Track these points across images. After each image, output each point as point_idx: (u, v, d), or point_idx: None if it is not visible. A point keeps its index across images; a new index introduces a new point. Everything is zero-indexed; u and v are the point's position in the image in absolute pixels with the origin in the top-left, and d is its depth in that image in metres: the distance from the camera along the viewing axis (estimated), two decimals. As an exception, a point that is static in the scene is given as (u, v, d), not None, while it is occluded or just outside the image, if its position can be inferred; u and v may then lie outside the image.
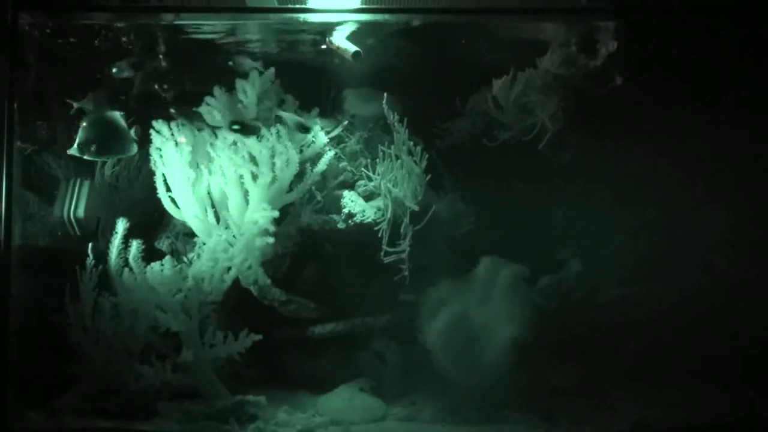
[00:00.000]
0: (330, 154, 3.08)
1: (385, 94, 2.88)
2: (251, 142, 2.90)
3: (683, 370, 2.95)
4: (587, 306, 3.09)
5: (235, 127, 2.84)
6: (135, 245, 2.81)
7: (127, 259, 2.81)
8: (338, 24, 2.83)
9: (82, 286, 2.81)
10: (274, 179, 2.94)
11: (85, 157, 2.76)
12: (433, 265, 3.03)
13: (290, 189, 3.01)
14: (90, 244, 2.83)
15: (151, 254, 2.93)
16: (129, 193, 3.25)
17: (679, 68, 3.07)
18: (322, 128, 3.12)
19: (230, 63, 3.00)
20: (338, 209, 3.06)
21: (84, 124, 2.73)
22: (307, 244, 3.15)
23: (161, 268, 2.81)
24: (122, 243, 2.82)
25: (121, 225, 2.82)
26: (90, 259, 2.80)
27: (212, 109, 2.94)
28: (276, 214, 2.91)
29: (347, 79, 3.24)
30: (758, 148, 3.04)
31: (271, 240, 2.89)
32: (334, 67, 3.20)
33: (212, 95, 2.95)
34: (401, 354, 3.08)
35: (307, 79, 3.24)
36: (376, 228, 2.95)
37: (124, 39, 3.02)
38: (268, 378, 3.13)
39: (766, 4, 2.72)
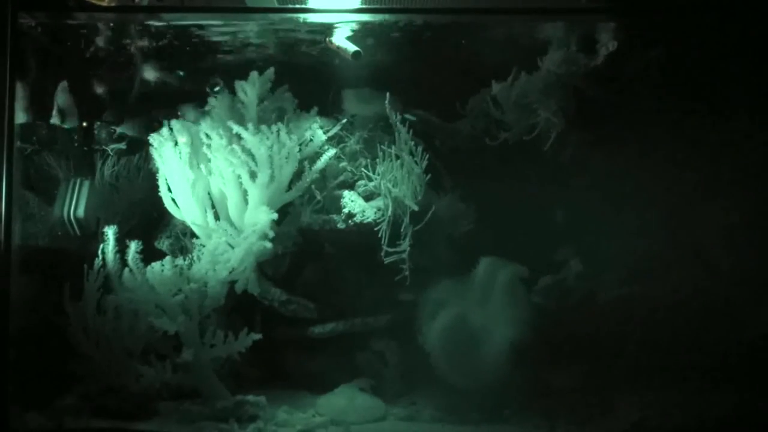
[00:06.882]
0: (330, 153, 3.07)
1: (388, 94, 2.88)
2: (250, 141, 2.90)
3: (683, 370, 2.95)
4: (587, 306, 3.09)
5: None
6: (133, 246, 2.82)
7: (125, 260, 2.82)
8: (338, 24, 2.83)
9: (87, 286, 2.81)
10: (272, 178, 2.93)
11: None
12: (432, 265, 3.03)
13: (289, 188, 3.00)
14: (101, 245, 2.85)
15: (151, 254, 2.93)
16: (129, 193, 3.25)
17: (679, 68, 3.07)
18: (321, 127, 3.12)
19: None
20: (338, 209, 3.05)
21: None
22: (307, 244, 3.15)
23: (161, 269, 2.81)
24: (118, 244, 2.84)
25: (111, 231, 2.83)
26: (99, 260, 2.82)
27: None
28: (275, 216, 2.90)
29: (347, 79, 3.24)
30: (758, 147, 3.04)
31: (269, 245, 2.88)
32: (334, 67, 3.19)
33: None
34: (401, 354, 3.08)
35: (307, 79, 3.23)
36: (376, 228, 2.95)
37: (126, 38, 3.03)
38: (268, 378, 3.13)
39: (766, 4, 2.72)
